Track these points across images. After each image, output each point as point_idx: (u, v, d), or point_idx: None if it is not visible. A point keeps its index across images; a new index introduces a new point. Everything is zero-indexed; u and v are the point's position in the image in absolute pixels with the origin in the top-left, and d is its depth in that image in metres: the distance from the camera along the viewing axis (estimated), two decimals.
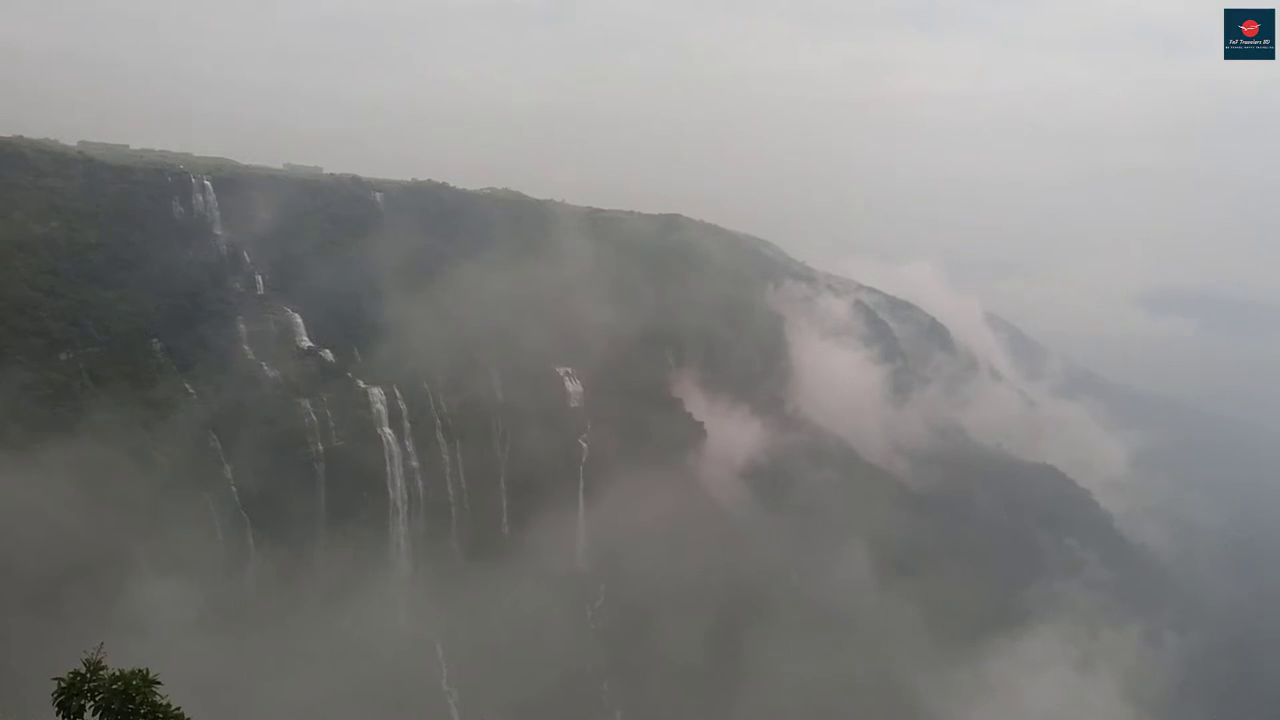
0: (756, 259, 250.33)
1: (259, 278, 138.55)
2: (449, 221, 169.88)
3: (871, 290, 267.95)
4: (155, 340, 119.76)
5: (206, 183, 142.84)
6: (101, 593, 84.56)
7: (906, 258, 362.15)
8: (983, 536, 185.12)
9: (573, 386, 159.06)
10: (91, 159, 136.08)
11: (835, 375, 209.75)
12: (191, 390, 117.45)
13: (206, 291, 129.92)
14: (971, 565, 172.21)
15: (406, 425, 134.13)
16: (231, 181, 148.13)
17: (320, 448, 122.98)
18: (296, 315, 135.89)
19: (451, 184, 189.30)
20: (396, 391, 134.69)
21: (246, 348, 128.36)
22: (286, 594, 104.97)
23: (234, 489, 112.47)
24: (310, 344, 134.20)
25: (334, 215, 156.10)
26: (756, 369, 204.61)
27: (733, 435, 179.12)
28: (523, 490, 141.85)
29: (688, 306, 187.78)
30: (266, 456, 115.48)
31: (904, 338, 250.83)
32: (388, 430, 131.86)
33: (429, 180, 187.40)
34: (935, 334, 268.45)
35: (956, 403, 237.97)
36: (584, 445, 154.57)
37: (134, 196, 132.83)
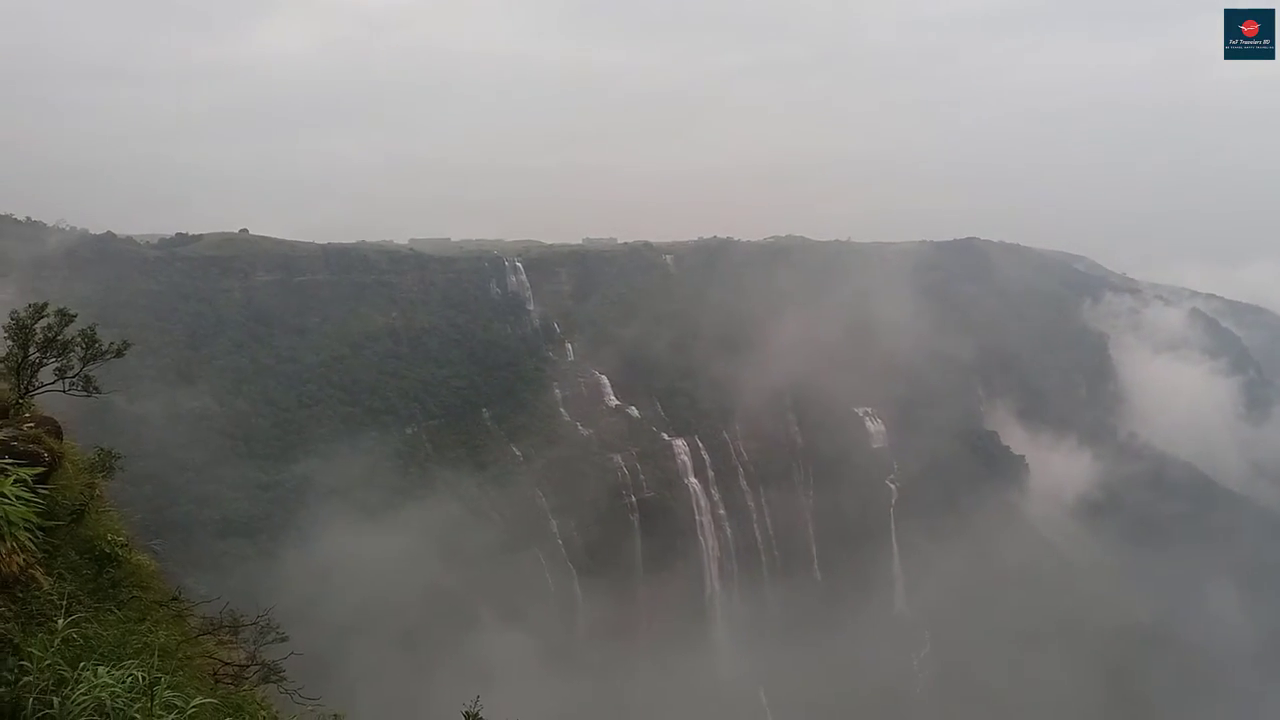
0: (1068, 275, 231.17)
1: (568, 345, 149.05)
2: (736, 273, 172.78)
3: (1210, 296, 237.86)
4: (485, 410, 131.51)
5: (518, 264, 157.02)
6: (450, 640, 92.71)
7: (1247, 258, 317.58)
8: None
9: (874, 426, 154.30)
10: (420, 253, 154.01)
11: (1175, 394, 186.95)
12: (518, 453, 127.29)
13: (524, 361, 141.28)
14: None
15: (710, 474, 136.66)
16: (539, 260, 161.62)
17: (633, 499, 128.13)
18: (603, 376, 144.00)
19: (736, 238, 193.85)
20: (699, 442, 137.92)
21: (563, 410, 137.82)
22: (614, 642, 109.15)
23: (560, 543, 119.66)
24: (617, 402, 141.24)
25: (630, 280, 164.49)
26: (1080, 394, 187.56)
27: (1059, 468, 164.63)
28: (832, 535, 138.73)
29: (994, 332, 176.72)
30: (587, 511, 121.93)
31: (1255, 345, 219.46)
32: (693, 480, 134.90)
33: (714, 237, 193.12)
34: None
35: None
36: (892, 487, 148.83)
37: (458, 283, 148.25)
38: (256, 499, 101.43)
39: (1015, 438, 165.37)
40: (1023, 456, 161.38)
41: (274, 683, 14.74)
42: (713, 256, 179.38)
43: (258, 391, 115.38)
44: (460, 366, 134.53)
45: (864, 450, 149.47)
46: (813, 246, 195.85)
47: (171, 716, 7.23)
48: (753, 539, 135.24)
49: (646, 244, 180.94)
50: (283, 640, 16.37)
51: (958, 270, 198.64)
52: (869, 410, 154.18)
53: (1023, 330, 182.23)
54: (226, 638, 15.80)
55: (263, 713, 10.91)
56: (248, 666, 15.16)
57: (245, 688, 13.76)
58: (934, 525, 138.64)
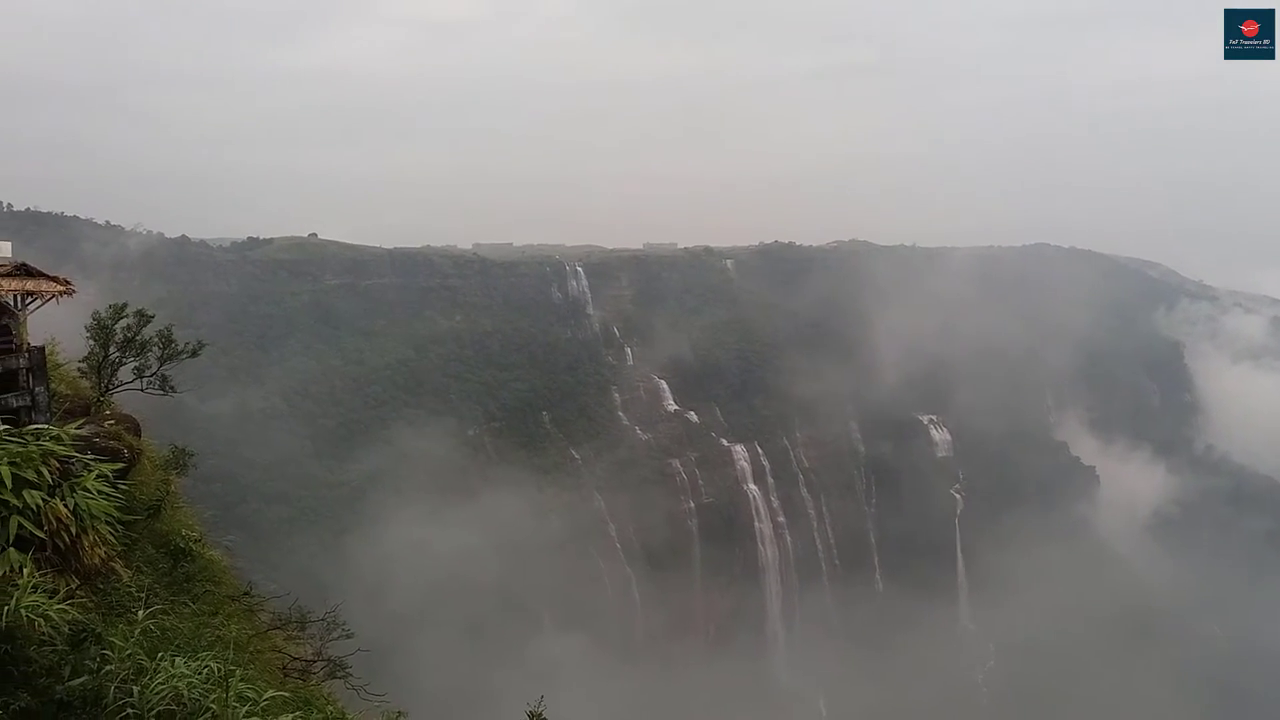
0: (1141, 282, 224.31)
1: (628, 350, 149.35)
2: (797, 278, 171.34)
3: None
4: (545, 413, 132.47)
5: (579, 269, 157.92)
6: (507, 636, 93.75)
7: None
8: None
9: (939, 435, 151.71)
10: (484, 258, 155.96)
11: (1256, 405, 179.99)
12: (577, 455, 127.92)
13: (584, 365, 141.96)
14: None
15: (770, 481, 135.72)
16: (600, 265, 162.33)
17: (692, 505, 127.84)
18: (662, 381, 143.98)
19: (798, 242, 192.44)
20: (759, 448, 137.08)
21: (622, 414, 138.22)
22: (672, 645, 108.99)
23: (618, 546, 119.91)
24: (676, 407, 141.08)
25: (690, 285, 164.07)
26: (1154, 404, 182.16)
27: (1132, 481, 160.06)
28: (894, 544, 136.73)
29: (1064, 340, 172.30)
30: (645, 515, 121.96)
31: None
32: (753, 486, 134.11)
33: (775, 242, 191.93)
34: None
35: None
36: (957, 496, 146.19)
37: (520, 287, 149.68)
38: (323, 497, 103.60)
39: (1085, 448, 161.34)
40: (1093, 468, 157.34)
41: (340, 678, 15.03)
42: (774, 261, 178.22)
43: (325, 392, 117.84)
44: (521, 370, 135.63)
45: (928, 459, 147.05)
46: (877, 251, 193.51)
47: (245, 709, 7.40)
48: (813, 547, 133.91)
49: (707, 248, 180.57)
50: (348, 637, 16.66)
51: (1026, 276, 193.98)
52: (934, 418, 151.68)
53: (1093, 338, 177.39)
54: (294, 633, 16.15)
55: (330, 707, 11.12)
56: (314, 661, 15.47)
57: (313, 682, 14.06)
58: (1000, 536, 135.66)
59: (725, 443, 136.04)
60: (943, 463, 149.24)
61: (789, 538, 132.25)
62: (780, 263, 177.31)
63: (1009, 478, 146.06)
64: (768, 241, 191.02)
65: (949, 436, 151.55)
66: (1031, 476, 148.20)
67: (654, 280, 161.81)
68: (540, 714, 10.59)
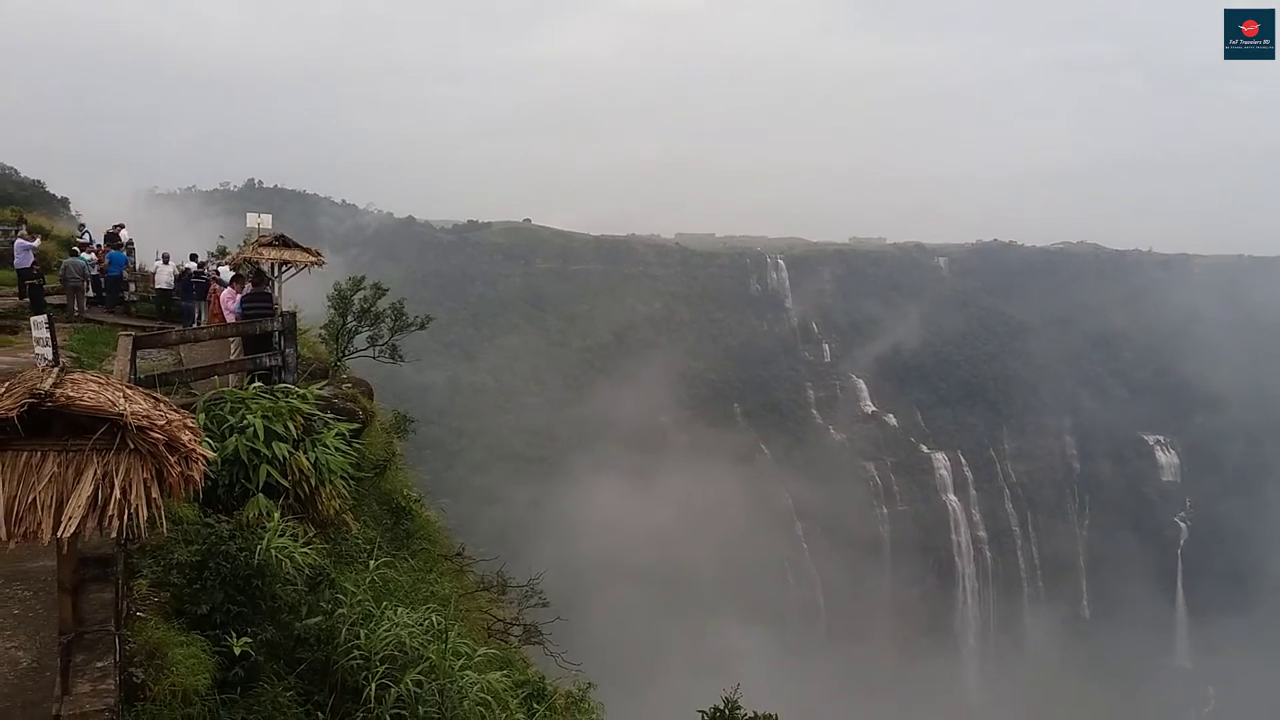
0: None
1: (826, 346, 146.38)
2: (1018, 280, 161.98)
3: None
4: (736, 405, 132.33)
5: (780, 261, 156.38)
6: (688, 621, 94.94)
7: None
8: None
9: (1166, 457, 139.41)
10: (685, 248, 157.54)
11: None
12: (767, 451, 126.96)
13: (779, 360, 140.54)
14: None
15: (972, 493, 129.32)
16: (801, 258, 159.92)
17: (884, 511, 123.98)
18: (860, 381, 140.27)
19: (1019, 242, 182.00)
20: (961, 457, 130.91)
21: (814, 412, 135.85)
22: (854, 652, 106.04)
23: (805, 546, 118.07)
24: (873, 408, 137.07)
25: (896, 282, 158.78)
26: None
27: None
28: (1106, 570, 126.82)
29: None
30: (835, 518, 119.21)
31: None
32: (953, 497, 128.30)
33: (994, 240, 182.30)
34: None
35: None
36: (1182, 525, 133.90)
37: (718, 278, 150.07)
38: (520, 470, 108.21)
39: None
40: None
41: (536, 644, 15.69)
42: (992, 261, 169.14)
43: (529, 370, 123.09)
44: (714, 360, 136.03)
45: (1152, 482, 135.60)
46: (1106, 255, 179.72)
47: (460, 663, 7.79)
48: (1015, 566, 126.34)
49: (918, 245, 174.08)
50: (544, 605, 17.34)
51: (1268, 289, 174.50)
52: (1161, 439, 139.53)
53: None
54: (496, 596, 17.01)
55: (530, 670, 11.60)
56: (513, 625, 16.23)
57: (512, 645, 14.73)
58: (1229, 572, 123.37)
59: (925, 449, 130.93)
60: (1168, 488, 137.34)
61: (989, 554, 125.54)
62: (999, 263, 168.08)
63: (1243, 510, 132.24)
64: (986, 240, 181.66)
65: (1177, 460, 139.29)
66: (1270, 510, 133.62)
67: (858, 276, 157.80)
68: (736, 702, 10.60)
